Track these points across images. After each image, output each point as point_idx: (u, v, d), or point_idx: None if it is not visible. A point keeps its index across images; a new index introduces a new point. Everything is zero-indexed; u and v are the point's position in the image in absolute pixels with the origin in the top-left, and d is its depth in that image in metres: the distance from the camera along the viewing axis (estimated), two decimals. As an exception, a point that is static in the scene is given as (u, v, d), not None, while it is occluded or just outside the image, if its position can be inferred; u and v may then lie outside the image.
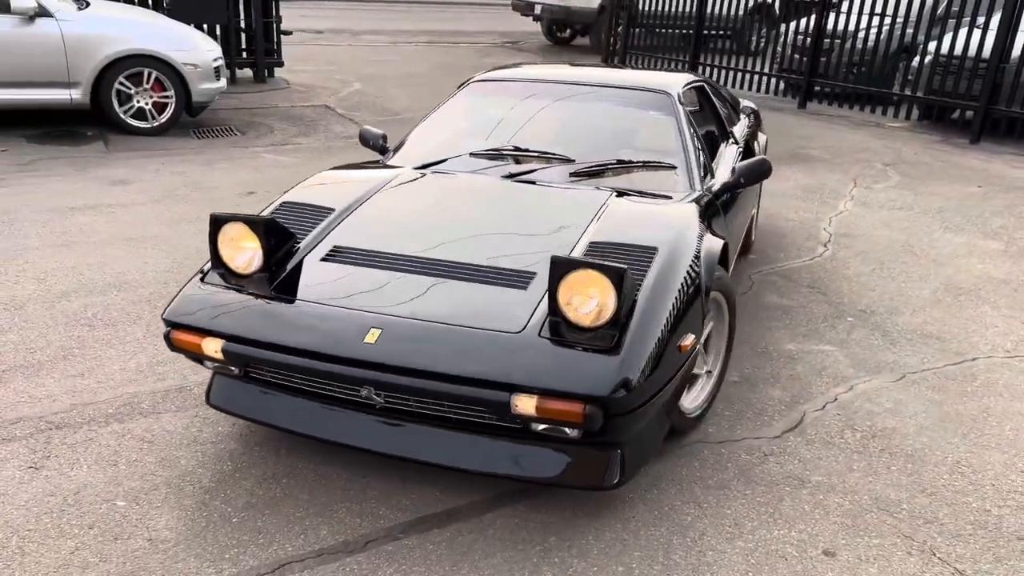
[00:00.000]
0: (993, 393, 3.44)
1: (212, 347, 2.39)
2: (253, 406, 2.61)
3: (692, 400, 3.01)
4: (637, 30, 12.97)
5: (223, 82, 8.06)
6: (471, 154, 3.46)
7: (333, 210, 2.92)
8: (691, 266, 2.62)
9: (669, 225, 2.78)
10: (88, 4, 7.68)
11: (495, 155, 3.44)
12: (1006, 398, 3.40)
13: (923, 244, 5.37)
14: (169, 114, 7.61)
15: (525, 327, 2.32)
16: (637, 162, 3.40)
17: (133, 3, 9.26)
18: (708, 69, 11.65)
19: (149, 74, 7.43)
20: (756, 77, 11.17)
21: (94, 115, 7.47)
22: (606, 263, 2.29)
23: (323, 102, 9.26)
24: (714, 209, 3.22)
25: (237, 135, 7.81)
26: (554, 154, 3.40)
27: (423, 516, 2.46)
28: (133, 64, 7.33)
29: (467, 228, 2.84)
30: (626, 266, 2.31)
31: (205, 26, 9.66)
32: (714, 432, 3.04)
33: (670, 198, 3.15)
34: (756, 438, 3.01)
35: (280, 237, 2.66)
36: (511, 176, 3.24)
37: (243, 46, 10.29)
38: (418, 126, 3.83)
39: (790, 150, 8.07)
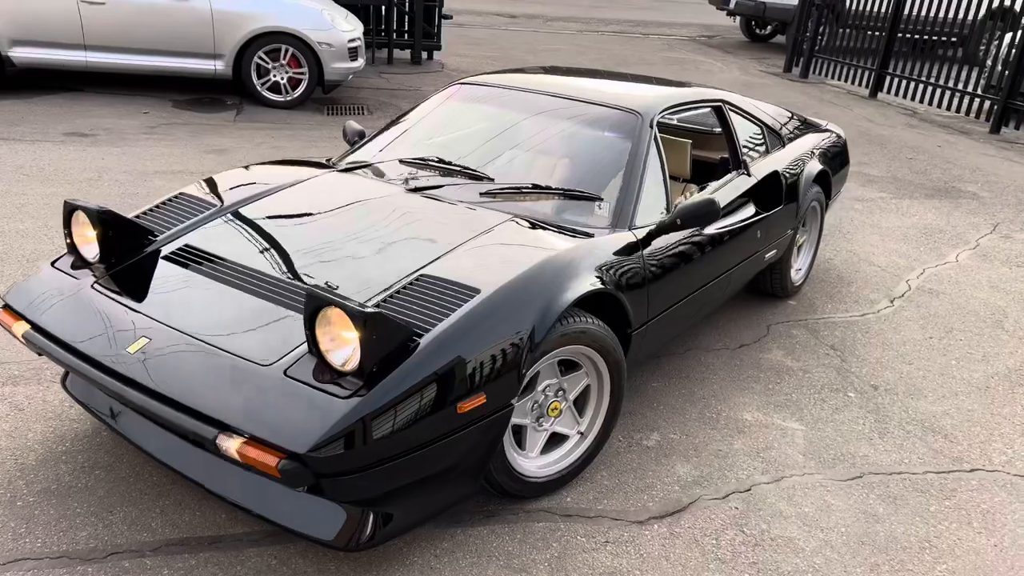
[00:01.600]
0: (960, 519, 2.78)
1: (19, 331, 2.46)
2: (85, 394, 2.67)
3: (550, 463, 2.69)
4: (843, 30, 11.81)
5: (359, 62, 8.35)
6: (400, 160, 3.31)
7: (215, 207, 2.91)
8: (520, 316, 2.32)
9: (522, 264, 2.47)
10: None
11: (421, 164, 3.27)
12: (972, 529, 2.74)
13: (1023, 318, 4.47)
14: (302, 89, 8.02)
15: (277, 360, 2.17)
16: (556, 189, 3.07)
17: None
18: (896, 80, 10.41)
19: (286, 50, 7.86)
20: (948, 93, 9.82)
21: (236, 86, 8.03)
22: (356, 305, 2.09)
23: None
24: (633, 251, 2.83)
25: (364, 114, 8.07)
26: (474, 171, 3.17)
27: (187, 537, 2.40)
28: (272, 40, 7.79)
29: (330, 242, 2.71)
30: (378, 309, 2.08)
31: (371, 8, 10.08)
32: (570, 502, 2.71)
33: (589, 234, 2.82)
34: (614, 518, 2.65)
35: (125, 229, 2.68)
36: (417, 189, 3.05)
37: (405, 28, 10.61)
38: (391, 126, 3.72)
39: (941, 182, 7.03)
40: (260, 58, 7.84)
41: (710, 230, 3.31)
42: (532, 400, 2.60)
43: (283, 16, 7.81)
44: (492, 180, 3.11)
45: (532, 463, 2.64)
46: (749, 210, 3.68)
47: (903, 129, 9.08)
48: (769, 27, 15.20)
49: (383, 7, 10.22)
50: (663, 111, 3.38)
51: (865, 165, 7.41)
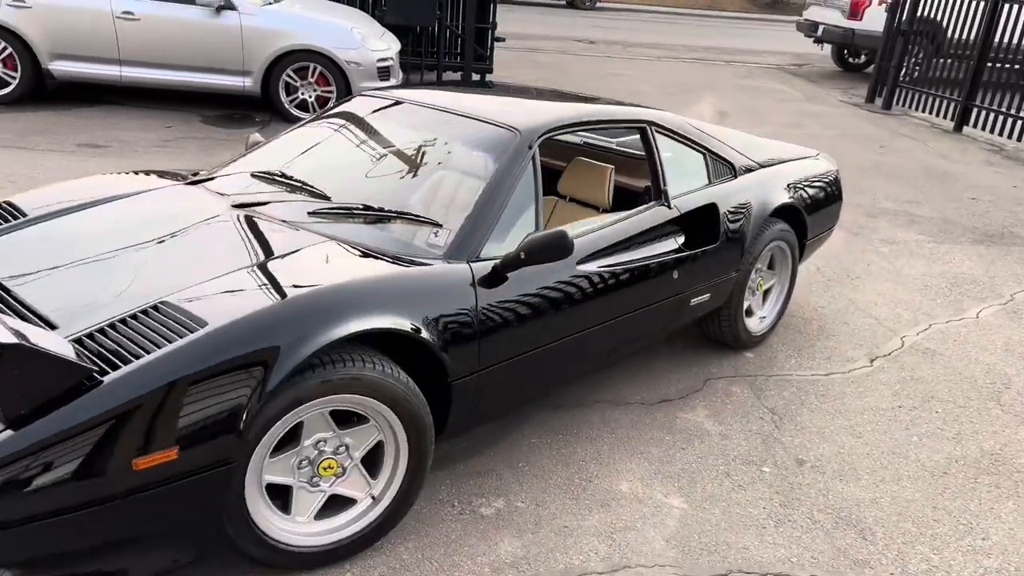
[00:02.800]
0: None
1: None
2: None
3: (330, 530, 2.33)
4: (943, 61, 10.80)
5: (391, 82, 8.23)
6: (251, 174, 3.05)
7: (25, 216, 2.73)
8: (252, 356, 1.98)
9: (283, 294, 2.14)
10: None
11: (268, 178, 2.99)
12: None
13: (1040, 388, 3.76)
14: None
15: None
16: (389, 211, 2.72)
17: (345, 2, 9.90)
18: (983, 113, 9.44)
19: (314, 68, 7.82)
20: (1038, 129, 8.80)
21: (265, 103, 8.05)
22: (12, 334, 1.81)
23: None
24: (463, 287, 2.45)
25: (390, 134, 7.91)
26: (313, 188, 2.86)
27: None
28: (300, 58, 7.78)
29: (97, 261, 2.42)
30: (18, 341, 1.79)
31: (419, 28, 10.01)
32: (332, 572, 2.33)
33: (418, 263, 2.47)
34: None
35: None
36: (241, 205, 2.77)
37: (456, 50, 10.47)
38: (281, 136, 3.46)
39: (999, 226, 6.20)
40: (288, 76, 7.83)
41: (590, 268, 2.87)
42: (298, 456, 2.24)
43: (311, 34, 7.78)
44: (328, 199, 2.80)
45: (300, 529, 2.28)
46: (664, 247, 3.21)
47: (978, 167, 8.16)
48: (863, 56, 14.25)
49: (432, 28, 10.11)
50: (551, 130, 2.97)
51: (914, 204, 6.65)
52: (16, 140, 6.53)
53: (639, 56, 14.49)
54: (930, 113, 10.39)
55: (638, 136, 3.40)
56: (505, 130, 2.93)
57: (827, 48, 14.63)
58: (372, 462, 2.39)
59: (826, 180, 4.22)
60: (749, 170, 3.79)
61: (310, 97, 7.92)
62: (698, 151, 3.58)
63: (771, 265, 4.00)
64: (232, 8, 7.62)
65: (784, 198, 3.80)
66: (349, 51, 7.85)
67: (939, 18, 10.35)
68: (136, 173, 3.19)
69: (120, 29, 7.52)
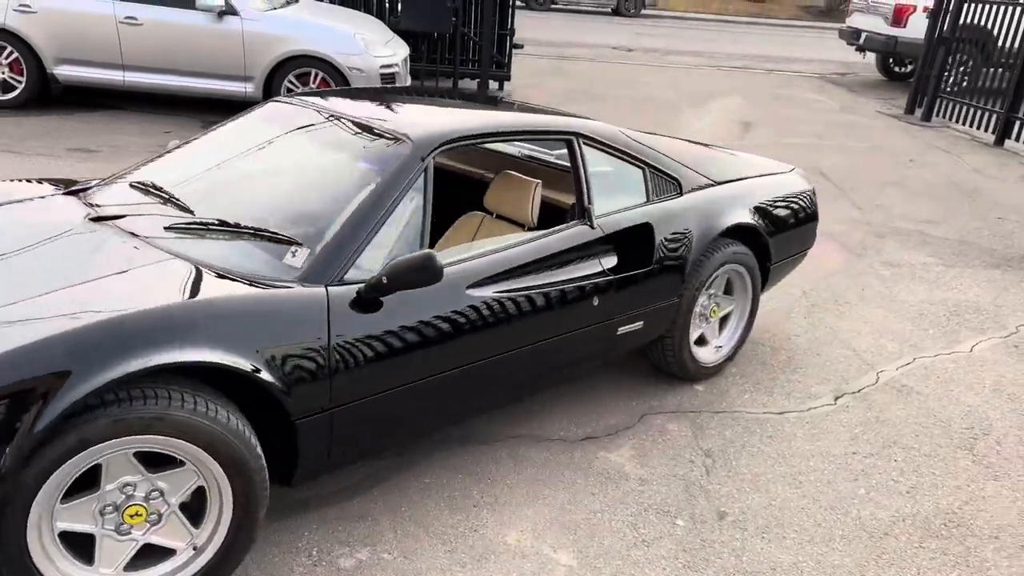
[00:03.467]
0: None
1: None
2: None
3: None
4: (992, 71, 10.18)
5: (395, 89, 8.06)
6: (130, 184, 2.86)
7: None
8: (10, 391, 1.78)
9: (73, 321, 1.93)
10: (289, 3, 8.27)
11: (143, 189, 2.80)
12: None
13: (1011, 437, 3.35)
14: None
15: None
16: (246, 228, 2.49)
17: (359, 7, 9.80)
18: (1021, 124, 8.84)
19: (315, 74, 7.70)
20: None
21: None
22: None
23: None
24: (312, 314, 2.22)
25: (392, 142, 7.74)
26: (178, 200, 2.65)
27: None
28: (302, 64, 7.66)
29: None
30: None
31: (436, 35, 9.84)
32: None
33: (270, 285, 2.24)
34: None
35: None
36: (98, 219, 2.58)
37: (473, 57, 10.27)
38: (185, 144, 3.28)
39: (1016, 249, 5.71)
40: (290, 81, 7.73)
41: (483, 293, 2.60)
42: (100, 502, 2.03)
43: (312, 40, 7.66)
44: (192, 212, 2.59)
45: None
46: (582, 271, 2.92)
47: (1014, 183, 7.61)
48: (909, 65, 13.60)
49: (447, 35, 9.92)
50: (450, 142, 2.72)
51: (932, 223, 6.18)
52: (12, 144, 6.54)
53: (674, 64, 14.10)
54: (971, 126, 9.79)
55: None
56: (398, 139, 2.69)
57: (871, 57, 14.02)
58: (198, 508, 2.16)
59: (797, 198, 3.86)
60: (701, 187, 3.46)
61: (312, 103, 7.79)
62: (637, 166, 3.28)
63: (729, 290, 3.67)
64: (234, 13, 7.55)
65: (739, 218, 3.47)
66: (351, 57, 7.70)
67: (988, 25, 9.74)
68: (24, 180, 3.04)
69: (123, 34, 7.51)
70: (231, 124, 3.23)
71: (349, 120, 2.89)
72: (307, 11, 8.25)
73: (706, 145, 4.11)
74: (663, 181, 3.33)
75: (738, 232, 3.53)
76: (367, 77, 7.77)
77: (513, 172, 3.27)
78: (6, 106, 7.60)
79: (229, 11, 7.53)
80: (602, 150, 3.18)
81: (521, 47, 10.76)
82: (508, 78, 10.32)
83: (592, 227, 3.00)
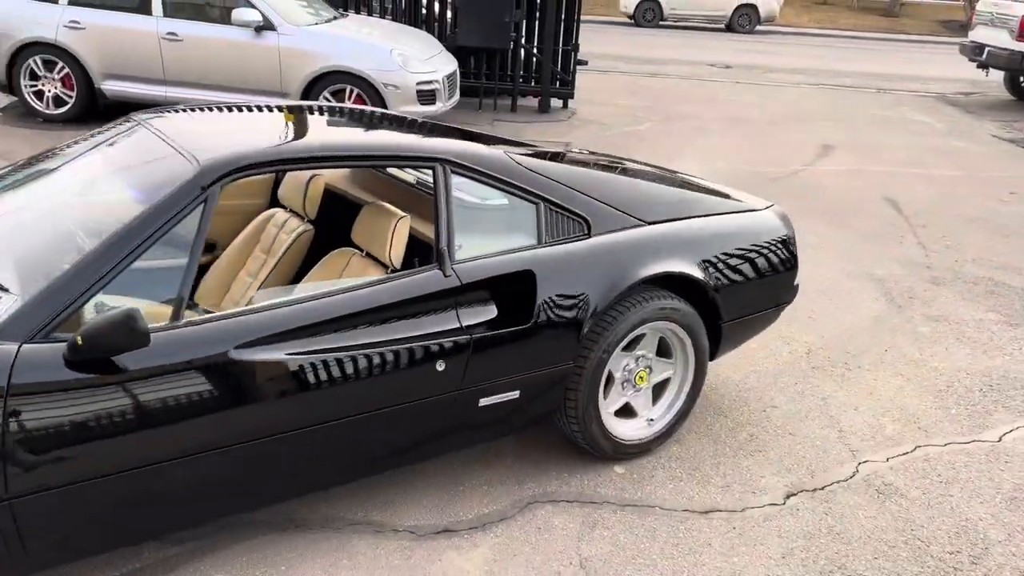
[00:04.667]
0: None
1: None
2: None
3: None
4: None
5: (435, 107, 7.74)
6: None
7: None
8: None
9: None
10: (336, 17, 8.12)
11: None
12: None
13: (1008, 571, 2.53)
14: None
15: None
16: None
17: (418, 23, 9.56)
18: None
19: (351, 91, 7.48)
20: None
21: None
22: None
23: (571, 141, 8.29)
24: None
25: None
26: None
27: None
28: (337, 80, 7.46)
29: None
30: None
31: (496, 52, 9.44)
32: None
33: None
34: None
35: None
36: None
37: (534, 74, 9.80)
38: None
39: (1116, 308, 4.66)
40: (326, 98, 7.52)
41: (257, 356, 2.12)
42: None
43: (347, 55, 7.44)
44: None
45: None
46: (424, 328, 2.39)
47: None
48: (1044, 83, 12.08)
49: (509, 52, 9.49)
50: (245, 168, 2.26)
51: (1009, 271, 5.18)
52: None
53: (772, 82, 13.13)
54: (1101, 153, 8.43)
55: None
56: (187, 163, 2.26)
57: (999, 75, 12.55)
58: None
59: (765, 243, 3.16)
60: (621, 229, 2.84)
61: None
62: (530, 201, 2.70)
63: (667, 352, 3.02)
64: (272, 28, 7.42)
65: (667, 266, 2.83)
66: (387, 73, 7.42)
67: None
68: None
69: (164, 50, 7.53)
70: (88, 136, 2.90)
71: (162, 139, 2.48)
72: (349, 26, 8.04)
73: (671, 176, 3.47)
74: (564, 220, 2.74)
75: (670, 283, 2.89)
76: (403, 94, 7.47)
77: (382, 203, 2.78)
78: (58, 120, 7.76)
79: (266, 26, 7.42)
80: (483, 180, 2.64)
81: (585, 63, 10.20)
82: (571, 95, 9.79)
83: (445, 274, 2.46)
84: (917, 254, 5.41)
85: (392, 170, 3.21)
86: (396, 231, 2.63)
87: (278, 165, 2.33)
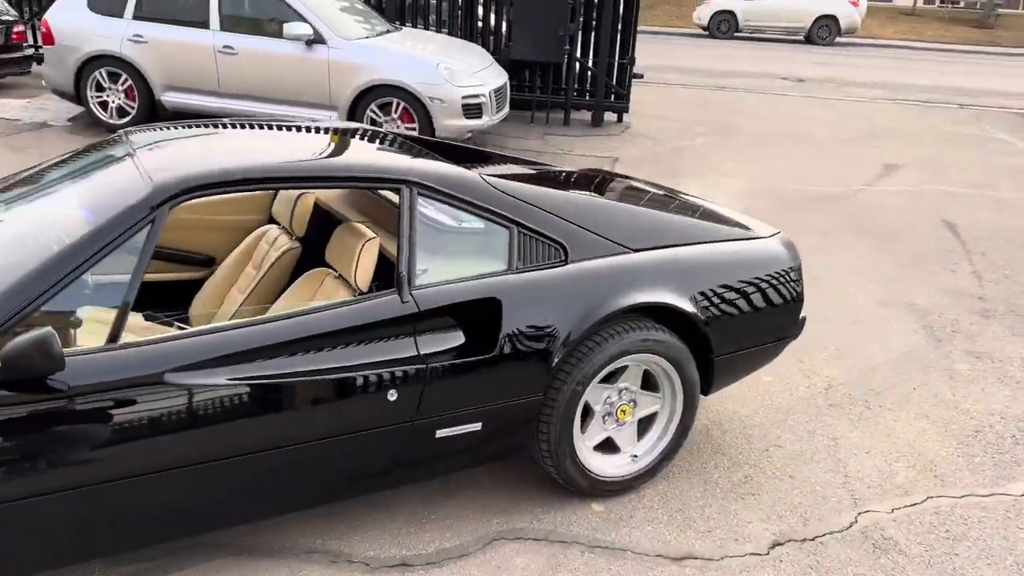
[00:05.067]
0: None
1: None
2: None
3: None
4: None
5: (482, 120, 7.72)
6: None
7: None
8: None
9: None
10: (389, 31, 8.20)
11: None
12: None
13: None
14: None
15: None
16: None
17: (472, 36, 9.57)
18: None
19: (397, 104, 7.51)
20: None
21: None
22: None
23: (620, 156, 8.16)
24: None
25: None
26: None
27: None
28: (384, 93, 7.51)
29: None
30: None
31: (551, 65, 9.37)
32: None
33: None
34: None
35: None
36: None
37: (588, 87, 9.68)
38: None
39: None
40: (372, 111, 7.58)
41: (194, 380, 2.09)
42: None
43: (393, 69, 7.48)
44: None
45: None
46: (376, 355, 2.32)
47: None
48: None
49: (563, 65, 9.40)
50: (201, 187, 2.24)
51: (1071, 304, 4.80)
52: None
53: (847, 96, 12.68)
54: None
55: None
56: (140, 181, 2.26)
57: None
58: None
59: (765, 273, 2.98)
60: (602, 255, 2.71)
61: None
62: (502, 225, 2.61)
63: (654, 385, 2.88)
64: (322, 42, 7.52)
65: (649, 296, 2.68)
66: (432, 87, 7.43)
67: None
68: None
69: (220, 63, 7.72)
70: (80, 150, 2.95)
71: (131, 157, 2.50)
72: (400, 40, 8.08)
73: (674, 200, 3.32)
74: (540, 245, 2.64)
75: (657, 314, 2.75)
76: (448, 107, 7.47)
77: (355, 224, 2.73)
78: (120, 129, 8.04)
79: (317, 40, 7.52)
80: (452, 204, 2.56)
81: (641, 76, 10.02)
82: (626, 109, 9.64)
83: (403, 300, 2.38)
84: (969, 283, 5.07)
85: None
86: (362, 253, 2.58)
87: (231, 185, 2.30)
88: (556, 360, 2.56)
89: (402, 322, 2.37)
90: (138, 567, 2.42)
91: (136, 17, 7.81)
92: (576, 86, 9.59)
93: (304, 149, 2.61)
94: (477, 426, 2.51)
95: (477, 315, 2.47)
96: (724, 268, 2.89)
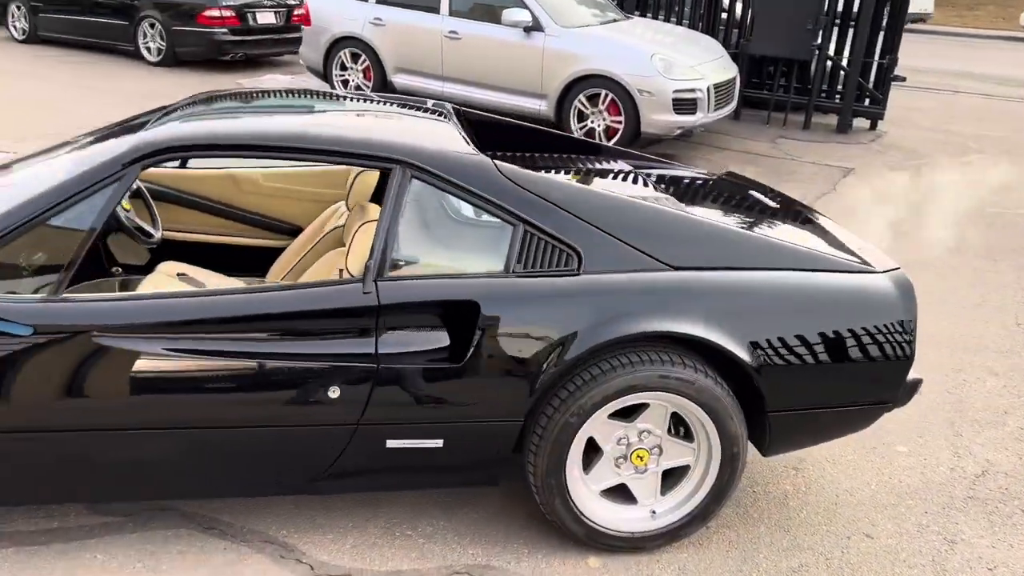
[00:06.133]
0: None
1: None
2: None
3: None
4: None
5: (694, 117, 7.21)
6: None
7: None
8: None
9: None
10: (617, 20, 7.93)
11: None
12: None
13: None
14: (614, 141, 7.27)
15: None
16: None
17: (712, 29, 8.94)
18: None
19: (605, 95, 7.24)
20: None
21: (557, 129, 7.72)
22: None
23: (856, 167, 7.24)
24: None
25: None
26: None
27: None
28: (594, 84, 7.27)
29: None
30: None
31: (795, 63, 8.52)
32: None
33: None
34: None
35: None
36: None
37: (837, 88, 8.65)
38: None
39: None
40: (580, 102, 7.36)
41: (115, 343, 2.03)
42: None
43: (604, 58, 7.19)
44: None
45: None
46: (323, 347, 2.13)
47: None
48: None
49: (809, 62, 8.47)
50: (173, 149, 2.18)
51: None
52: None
53: None
54: None
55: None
56: (130, 139, 2.25)
57: None
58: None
59: (861, 318, 2.32)
60: (628, 270, 2.27)
61: (599, 126, 7.32)
62: (508, 221, 2.27)
63: (687, 433, 2.39)
64: (540, 29, 7.43)
65: (675, 326, 2.20)
66: (643, 79, 7.05)
67: None
68: None
69: (445, 47, 7.93)
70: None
71: (149, 118, 2.53)
72: (625, 29, 7.76)
73: (787, 215, 2.74)
74: (549, 249, 2.26)
75: (692, 349, 2.26)
76: (657, 101, 7.04)
77: (367, 204, 2.54)
78: (355, 109, 8.57)
79: (535, 27, 7.43)
80: (450, 191, 2.27)
81: (903, 79, 8.72)
82: (881, 116, 8.46)
83: (364, 291, 2.15)
84: None
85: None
86: (357, 235, 2.39)
87: (207, 150, 2.21)
88: (541, 383, 2.19)
89: (359, 314, 2.14)
90: (98, 520, 2.44)
91: (379, 1, 8.23)
92: (824, 86, 8.61)
93: (301, 120, 2.45)
94: (438, 443, 2.22)
95: (447, 318, 2.17)
96: (798, 303, 2.31)
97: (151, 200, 3.05)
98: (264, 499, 2.55)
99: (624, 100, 7.14)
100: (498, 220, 2.27)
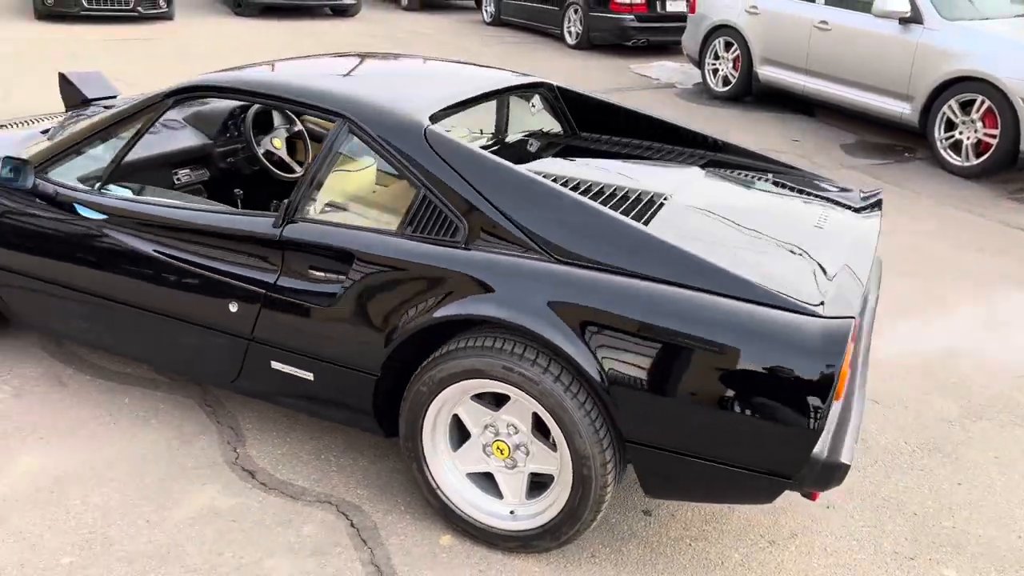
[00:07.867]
0: None
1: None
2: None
3: None
4: None
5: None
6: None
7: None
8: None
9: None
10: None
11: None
12: None
13: None
14: (984, 159, 6.11)
15: None
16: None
17: None
18: None
19: (980, 102, 6.11)
20: None
21: (921, 138, 6.68)
22: None
23: None
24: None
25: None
26: None
27: None
28: (968, 89, 6.17)
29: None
30: None
31: None
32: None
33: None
34: None
35: None
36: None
37: None
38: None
39: None
40: (951, 108, 6.28)
41: (94, 226, 2.62)
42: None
43: (985, 58, 6.02)
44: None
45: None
46: (233, 266, 2.46)
47: None
48: None
49: None
50: (198, 88, 2.65)
51: None
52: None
53: None
54: None
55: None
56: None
57: None
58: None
59: (758, 360, 1.83)
60: (525, 254, 2.12)
61: (968, 139, 6.19)
62: (413, 184, 2.28)
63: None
64: (919, 21, 6.49)
65: (514, 316, 2.02)
66: (1031, 85, 5.74)
67: None
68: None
69: (813, 38, 7.40)
70: None
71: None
72: (985, 23, 6.33)
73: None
74: (442, 220, 2.22)
75: (546, 346, 2.06)
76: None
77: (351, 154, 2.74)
78: (720, 97, 8.40)
79: (913, 19, 6.51)
80: (376, 148, 2.35)
81: None
82: None
83: (274, 225, 2.39)
84: None
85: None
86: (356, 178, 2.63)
87: (219, 92, 2.64)
88: (391, 342, 2.22)
89: (263, 244, 2.39)
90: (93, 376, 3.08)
91: (751, -12, 7.89)
92: None
93: (296, 72, 2.73)
94: (309, 375, 2.39)
95: (326, 264, 2.31)
96: (680, 325, 1.93)
97: (309, 141, 3.63)
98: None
99: (1003, 110, 5.87)
100: (407, 183, 2.32)
